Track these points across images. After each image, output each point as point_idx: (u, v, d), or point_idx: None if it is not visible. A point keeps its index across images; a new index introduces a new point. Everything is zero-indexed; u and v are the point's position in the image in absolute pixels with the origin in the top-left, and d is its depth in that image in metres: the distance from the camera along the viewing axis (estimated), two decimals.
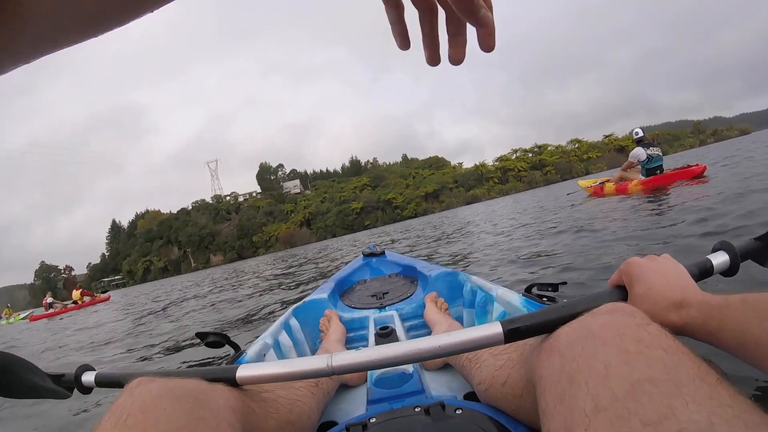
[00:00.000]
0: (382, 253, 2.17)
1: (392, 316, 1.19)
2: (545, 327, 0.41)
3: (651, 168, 5.94)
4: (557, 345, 0.35)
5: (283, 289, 4.42)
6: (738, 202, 2.81)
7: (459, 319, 1.25)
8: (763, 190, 3.03)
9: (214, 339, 0.68)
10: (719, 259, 0.51)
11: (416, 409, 0.56)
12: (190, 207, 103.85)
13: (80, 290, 14.55)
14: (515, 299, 0.92)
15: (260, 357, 0.86)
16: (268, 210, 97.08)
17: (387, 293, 1.53)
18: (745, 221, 2.21)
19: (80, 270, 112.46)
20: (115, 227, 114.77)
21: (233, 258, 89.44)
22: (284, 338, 1.09)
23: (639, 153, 6.01)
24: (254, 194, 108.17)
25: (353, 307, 1.44)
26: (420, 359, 0.45)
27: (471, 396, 0.69)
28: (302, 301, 1.37)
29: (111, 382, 0.59)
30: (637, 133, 6.27)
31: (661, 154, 6.04)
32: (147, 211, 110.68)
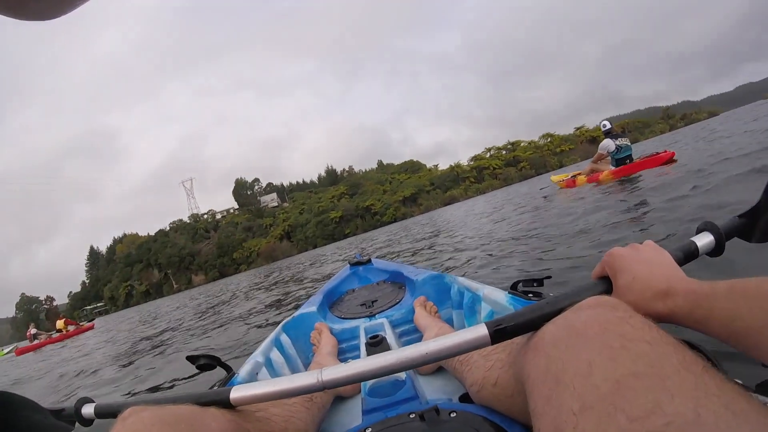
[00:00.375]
0: (369, 261, 2.16)
1: (382, 323, 1.20)
2: (530, 325, 0.42)
3: (620, 158, 6.06)
4: (542, 344, 0.36)
5: (271, 305, 4.34)
6: (707, 182, 2.85)
7: (449, 321, 1.26)
8: (728, 170, 3.03)
9: (205, 362, 0.68)
10: (704, 240, 0.50)
11: (411, 416, 0.56)
12: (168, 228, 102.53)
13: (64, 319, 14.23)
14: (502, 297, 0.93)
15: (252, 376, 0.86)
16: (246, 225, 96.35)
17: (376, 301, 1.53)
18: (715, 199, 2.25)
19: (62, 300, 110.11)
20: (93, 253, 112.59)
21: (215, 277, 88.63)
22: (276, 355, 1.09)
23: (608, 144, 6.13)
24: (232, 210, 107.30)
25: (343, 318, 1.44)
26: (409, 367, 0.45)
27: (466, 397, 0.68)
28: (291, 316, 1.38)
29: (110, 413, 0.61)
30: (604, 125, 6.38)
31: (629, 143, 6.15)
32: (125, 235, 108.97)
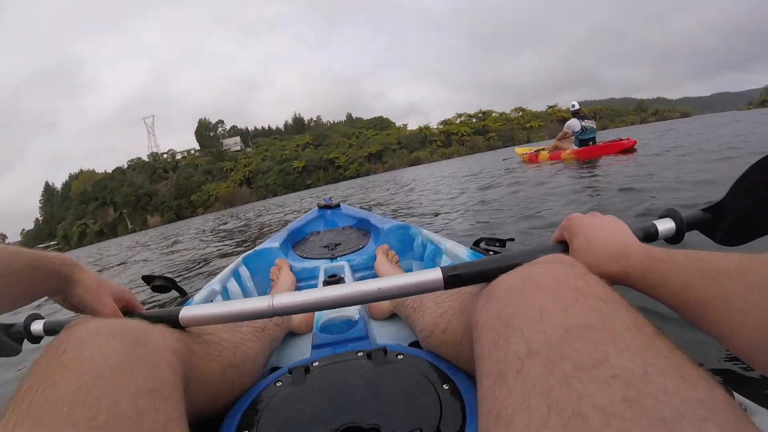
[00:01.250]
0: (337, 206, 2.15)
1: (343, 266, 1.20)
2: (485, 275, 0.42)
3: (584, 139, 6.28)
4: (495, 292, 0.36)
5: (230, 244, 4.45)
6: (661, 174, 3.12)
7: (408, 271, 1.26)
8: (685, 167, 3.32)
9: (161, 283, 0.68)
10: (665, 225, 0.52)
11: (359, 354, 0.58)
12: (126, 166, 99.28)
13: None
14: (463, 252, 0.95)
15: (207, 302, 0.86)
16: (207, 168, 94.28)
17: (339, 245, 1.56)
18: (665, 192, 2.46)
19: (14, 237, 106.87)
20: (48, 189, 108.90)
21: (171, 218, 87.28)
22: (233, 285, 1.09)
23: (573, 124, 6.35)
24: (193, 151, 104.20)
25: (305, 257, 1.45)
26: (361, 301, 0.45)
27: (415, 345, 0.69)
28: (253, 249, 1.38)
29: (60, 329, 0.59)
30: (573, 106, 6.55)
31: (594, 127, 6.39)
32: (81, 171, 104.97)
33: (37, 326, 0.60)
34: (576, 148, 6.33)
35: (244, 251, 2.24)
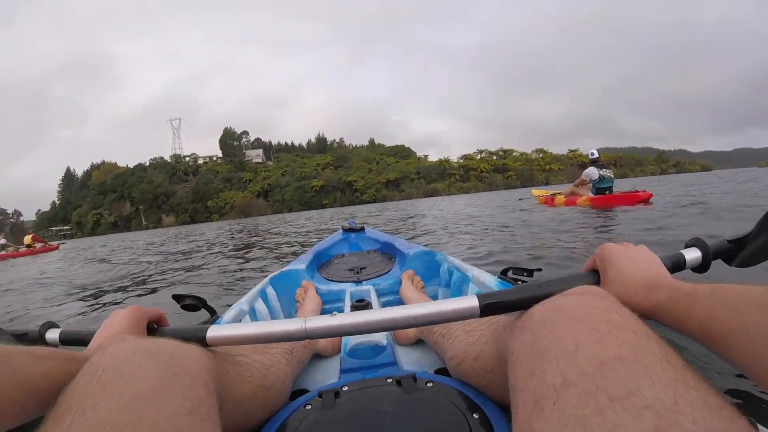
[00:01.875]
0: (362, 229, 2.19)
1: (369, 290, 1.20)
2: (520, 304, 0.43)
3: (601, 187, 6.29)
4: (529, 322, 0.36)
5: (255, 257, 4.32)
6: (675, 227, 3.17)
7: (434, 298, 1.27)
8: (699, 221, 3.42)
9: (191, 302, 0.67)
10: (692, 254, 0.53)
11: (388, 380, 0.57)
12: (148, 163, 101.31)
13: (32, 235, 14.13)
14: (490, 281, 0.94)
15: (235, 322, 0.87)
16: (226, 176, 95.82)
17: (364, 268, 1.55)
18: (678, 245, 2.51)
19: (29, 216, 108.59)
20: (68, 175, 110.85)
21: (185, 221, 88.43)
22: (260, 306, 1.10)
23: (592, 172, 6.36)
24: (215, 158, 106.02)
25: (330, 280, 1.45)
26: (395, 327, 0.45)
27: (442, 372, 0.70)
28: (280, 270, 1.39)
29: (76, 340, 0.59)
30: (592, 154, 6.61)
31: (612, 176, 6.39)
32: (103, 162, 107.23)
33: (52, 335, 0.59)
34: (592, 195, 6.33)
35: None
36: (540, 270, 0.85)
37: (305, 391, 0.65)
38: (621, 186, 7.26)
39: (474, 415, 0.49)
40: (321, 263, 1.72)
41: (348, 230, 2.20)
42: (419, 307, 0.44)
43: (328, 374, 0.81)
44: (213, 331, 0.47)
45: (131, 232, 66.56)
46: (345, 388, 0.57)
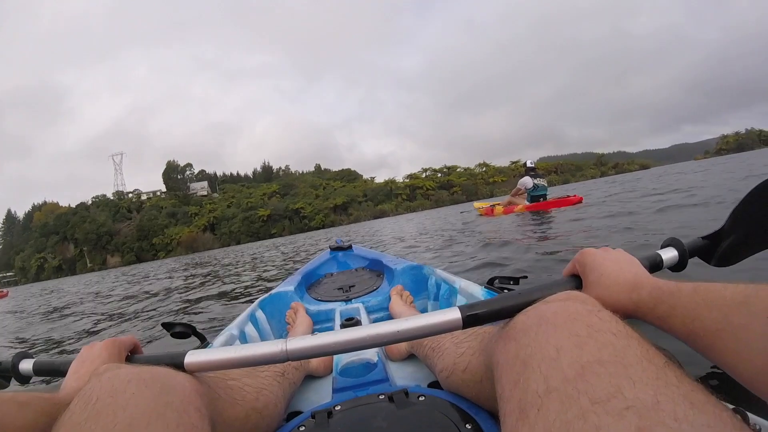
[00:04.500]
0: (349, 247, 2.20)
1: (358, 308, 1.21)
2: (502, 313, 0.44)
3: (535, 195, 6.83)
4: (513, 331, 0.37)
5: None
6: (603, 224, 3.65)
7: (423, 311, 1.29)
8: (621, 219, 3.80)
9: (180, 330, 0.67)
10: (668, 254, 0.54)
11: (380, 397, 0.58)
12: (90, 202, 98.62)
13: None
14: (477, 291, 0.96)
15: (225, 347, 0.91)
16: (171, 211, 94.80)
17: (353, 286, 1.54)
18: (603, 240, 2.87)
19: None
20: (10, 218, 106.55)
21: (131, 260, 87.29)
22: (250, 330, 1.09)
23: (526, 181, 6.90)
24: (158, 193, 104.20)
25: (320, 300, 1.45)
26: (379, 343, 0.45)
27: (435, 385, 0.70)
28: (268, 293, 1.39)
29: (50, 370, 0.59)
30: (530, 163, 7.17)
31: (546, 185, 6.98)
32: (45, 203, 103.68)
33: (26, 365, 0.59)
34: (527, 203, 6.85)
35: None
36: (525, 277, 0.87)
37: (299, 413, 0.66)
38: (557, 192, 8.17)
39: (467, 425, 0.51)
40: (310, 283, 1.74)
41: (336, 249, 2.21)
42: (402, 322, 0.44)
43: (321, 394, 0.82)
44: (191, 357, 0.46)
45: (76, 276, 64.73)
46: (338, 408, 0.58)
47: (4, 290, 15.57)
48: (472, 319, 0.44)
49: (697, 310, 0.36)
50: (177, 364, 0.46)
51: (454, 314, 0.44)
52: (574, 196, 6.42)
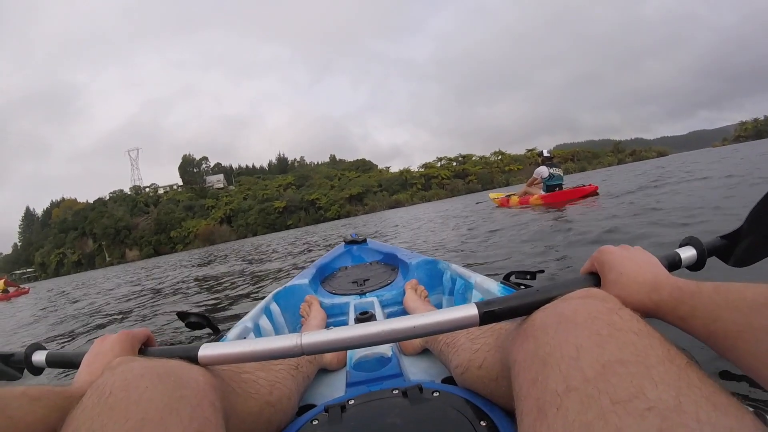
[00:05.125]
0: (364, 241, 2.21)
1: (372, 302, 1.22)
2: (519, 310, 0.43)
3: (551, 185, 6.69)
4: (531, 330, 0.37)
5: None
6: (619, 216, 3.60)
7: (438, 307, 1.28)
8: (636, 207, 3.86)
9: (195, 320, 0.68)
10: (687, 253, 0.53)
11: (394, 392, 0.58)
12: (107, 197, 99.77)
13: (4, 280, 13.71)
14: (494, 287, 0.95)
15: (240, 339, 0.88)
16: (188, 204, 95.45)
17: (368, 280, 1.54)
18: (619, 232, 2.85)
19: None
20: (28, 215, 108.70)
21: (149, 253, 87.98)
22: (264, 322, 1.10)
23: (542, 171, 6.78)
24: (175, 187, 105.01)
25: (334, 293, 1.46)
26: (394, 339, 0.45)
27: (449, 381, 0.70)
28: (283, 286, 1.40)
29: (63, 362, 0.59)
30: (546, 153, 7.08)
31: (561, 174, 6.85)
32: (63, 200, 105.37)
33: (39, 357, 0.60)
34: (543, 193, 6.75)
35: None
36: (542, 272, 0.85)
37: (312, 406, 0.66)
38: (576, 180, 8.18)
39: (482, 422, 0.50)
40: (324, 277, 1.75)
41: (350, 242, 2.23)
42: (417, 318, 0.44)
43: (334, 388, 0.82)
44: (205, 350, 0.46)
45: (96, 270, 65.48)
46: (351, 402, 0.58)
47: (25, 287, 15.17)
48: (489, 316, 0.44)
49: (717, 312, 0.36)
50: (191, 357, 0.46)
51: (470, 311, 0.44)
52: (590, 185, 6.38)
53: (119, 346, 0.51)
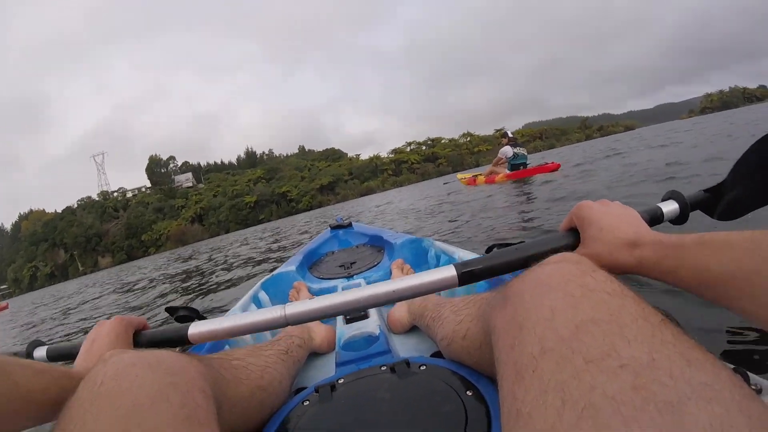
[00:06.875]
0: (349, 225, 2.23)
1: (359, 284, 1.23)
2: (498, 269, 0.44)
3: (515, 164, 7.13)
4: (508, 296, 0.38)
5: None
6: (576, 186, 4.02)
7: None
8: (595, 182, 4.08)
9: (184, 313, 0.69)
10: (669, 207, 0.53)
11: (382, 368, 0.59)
12: (76, 205, 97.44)
13: None
14: None
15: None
16: (157, 206, 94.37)
17: (354, 263, 1.57)
18: (582, 195, 3.21)
19: None
20: None
21: (122, 259, 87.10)
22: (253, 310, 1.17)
23: (506, 150, 7.18)
24: (143, 189, 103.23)
25: (321, 278, 1.47)
26: (375, 303, 0.45)
27: (437, 356, 0.71)
28: (271, 274, 1.41)
29: (63, 355, 0.61)
30: (509, 134, 7.51)
31: (525, 153, 7.33)
32: (31, 211, 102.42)
33: (40, 353, 0.62)
34: (508, 172, 7.13)
35: None
36: (523, 242, 0.84)
37: (305, 389, 0.68)
38: (544, 157, 8.96)
39: (468, 392, 0.51)
40: (312, 263, 1.74)
41: (336, 227, 2.25)
42: (397, 282, 0.45)
43: (324, 370, 0.84)
44: (195, 328, 0.48)
45: (69, 281, 64.14)
46: (341, 381, 0.59)
47: (4, 302, 15.11)
48: (467, 275, 0.44)
49: (705, 260, 0.36)
50: (181, 336, 0.49)
51: (449, 272, 0.44)
52: (552, 163, 6.88)
53: (114, 333, 0.53)
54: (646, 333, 0.27)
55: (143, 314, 3.00)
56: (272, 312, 0.46)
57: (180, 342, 0.49)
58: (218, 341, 0.76)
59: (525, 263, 0.44)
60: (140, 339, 0.55)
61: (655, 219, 0.52)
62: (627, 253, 0.43)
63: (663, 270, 0.40)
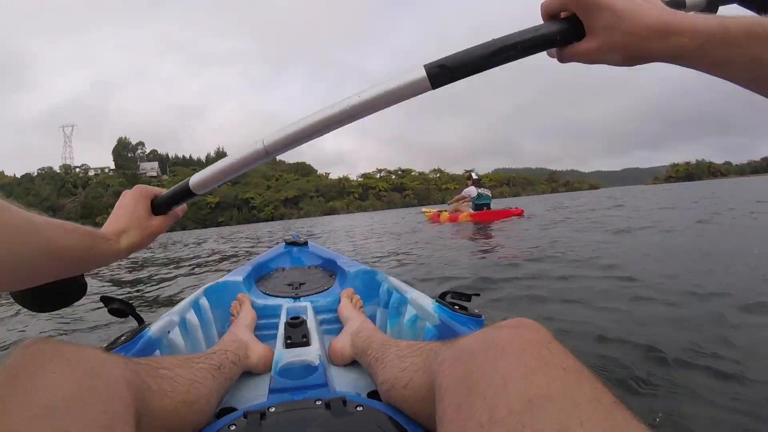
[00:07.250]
0: (305, 243, 2.16)
1: (306, 307, 1.19)
2: (477, 64, 0.39)
3: (479, 204, 7.41)
4: (459, 354, 0.37)
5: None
6: (539, 235, 4.35)
7: (372, 318, 1.26)
8: (555, 232, 4.55)
9: (119, 307, 0.65)
10: None
11: (317, 402, 0.58)
12: (36, 173, 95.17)
13: None
14: (428, 304, 0.96)
15: (164, 333, 0.85)
16: (117, 190, 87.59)
17: (304, 284, 1.53)
18: (540, 248, 3.35)
19: None
20: None
21: None
22: (192, 317, 1.08)
23: (471, 190, 7.47)
24: (107, 170, 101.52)
25: (267, 294, 1.42)
26: (349, 116, 0.44)
27: (374, 395, 0.70)
28: (215, 281, 1.35)
29: None
30: (474, 175, 7.78)
31: (489, 194, 7.61)
32: None
33: None
34: (472, 211, 7.41)
35: None
36: (478, 295, 0.85)
37: (232, 409, 0.66)
38: (503, 205, 9.21)
39: None
40: (260, 276, 1.68)
41: (291, 243, 2.16)
42: (367, 91, 0.43)
43: (256, 393, 0.81)
44: (193, 179, 0.53)
45: None
46: (272, 410, 0.57)
47: None
48: (441, 74, 0.39)
49: (761, 55, 0.32)
50: (185, 190, 0.54)
51: (419, 73, 0.41)
52: (516, 208, 7.38)
53: (134, 199, 0.58)
54: (599, 416, 0.27)
55: (80, 305, 2.85)
56: (252, 147, 0.46)
57: (188, 195, 0.51)
58: (149, 345, 0.75)
59: (508, 55, 0.37)
60: (156, 203, 0.59)
61: (674, 6, 0.41)
62: (659, 43, 0.36)
63: (709, 62, 0.35)
